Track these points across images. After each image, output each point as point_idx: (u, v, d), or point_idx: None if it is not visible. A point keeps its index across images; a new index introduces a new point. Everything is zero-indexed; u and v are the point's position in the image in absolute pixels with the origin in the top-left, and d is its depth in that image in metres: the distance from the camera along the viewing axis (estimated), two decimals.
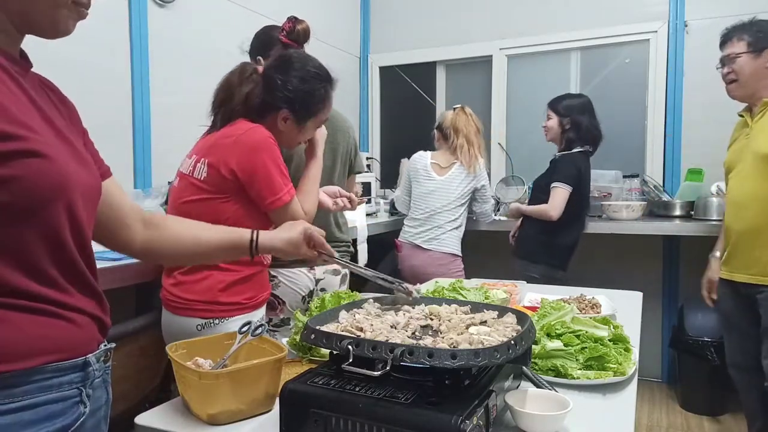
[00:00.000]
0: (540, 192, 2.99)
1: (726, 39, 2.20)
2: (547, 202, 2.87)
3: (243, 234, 1.14)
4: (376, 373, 0.85)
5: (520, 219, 3.10)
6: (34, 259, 0.76)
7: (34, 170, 0.73)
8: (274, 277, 1.94)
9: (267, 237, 1.15)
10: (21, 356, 0.74)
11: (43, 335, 0.77)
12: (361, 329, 0.99)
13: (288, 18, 1.95)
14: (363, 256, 2.99)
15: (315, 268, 2.14)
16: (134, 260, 1.66)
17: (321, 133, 1.81)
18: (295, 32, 1.93)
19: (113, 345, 0.91)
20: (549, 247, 2.89)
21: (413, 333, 0.99)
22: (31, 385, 0.75)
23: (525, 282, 2.12)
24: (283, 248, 1.16)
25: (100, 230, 1.00)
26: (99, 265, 1.19)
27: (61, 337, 0.79)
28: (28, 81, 0.82)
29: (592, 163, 3.01)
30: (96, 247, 1.09)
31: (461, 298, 1.64)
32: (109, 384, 0.92)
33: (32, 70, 0.87)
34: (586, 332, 1.27)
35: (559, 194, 2.83)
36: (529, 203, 3.08)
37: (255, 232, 1.14)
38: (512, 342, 0.88)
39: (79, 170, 0.82)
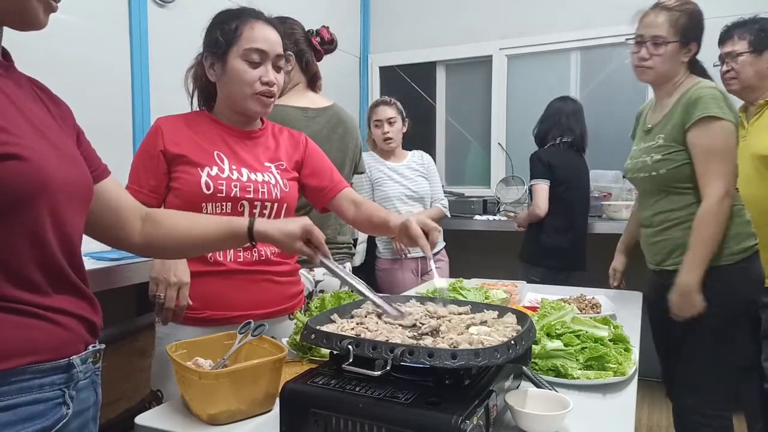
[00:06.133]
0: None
1: (726, 36, 2.17)
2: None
3: (240, 222, 1.11)
4: (376, 373, 0.85)
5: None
6: (14, 261, 0.75)
7: (11, 173, 0.72)
8: None
9: (263, 224, 1.10)
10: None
11: (22, 337, 0.76)
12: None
13: (323, 26, 2.11)
14: (360, 256, 2.99)
15: (314, 269, 2.13)
16: (134, 260, 1.66)
17: None
18: (327, 43, 2.09)
19: (103, 346, 0.90)
20: (544, 248, 2.91)
21: (413, 333, 0.99)
22: (10, 386, 0.74)
23: (525, 282, 2.12)
24: (278, 238, 1.10)
25: (99, 229, 1.00)
26: (99, 265, 1.20)
27: (42, 338, 0.78)
28: (9, 79, 0.80)
29: (592, 163, 3.00)
30: (96, 246, 1.09)
31: (461, 298, 1.64)
32: (98, 385, 0.91)
33: (23, 72, 0.86)
34: (586, 332, 1.27)
35: (536, 191, 2.91)
36: None
37: (252, 219, 1.11)
38: (512, 342, 0.88)
39: (61, 170, 0.80)
